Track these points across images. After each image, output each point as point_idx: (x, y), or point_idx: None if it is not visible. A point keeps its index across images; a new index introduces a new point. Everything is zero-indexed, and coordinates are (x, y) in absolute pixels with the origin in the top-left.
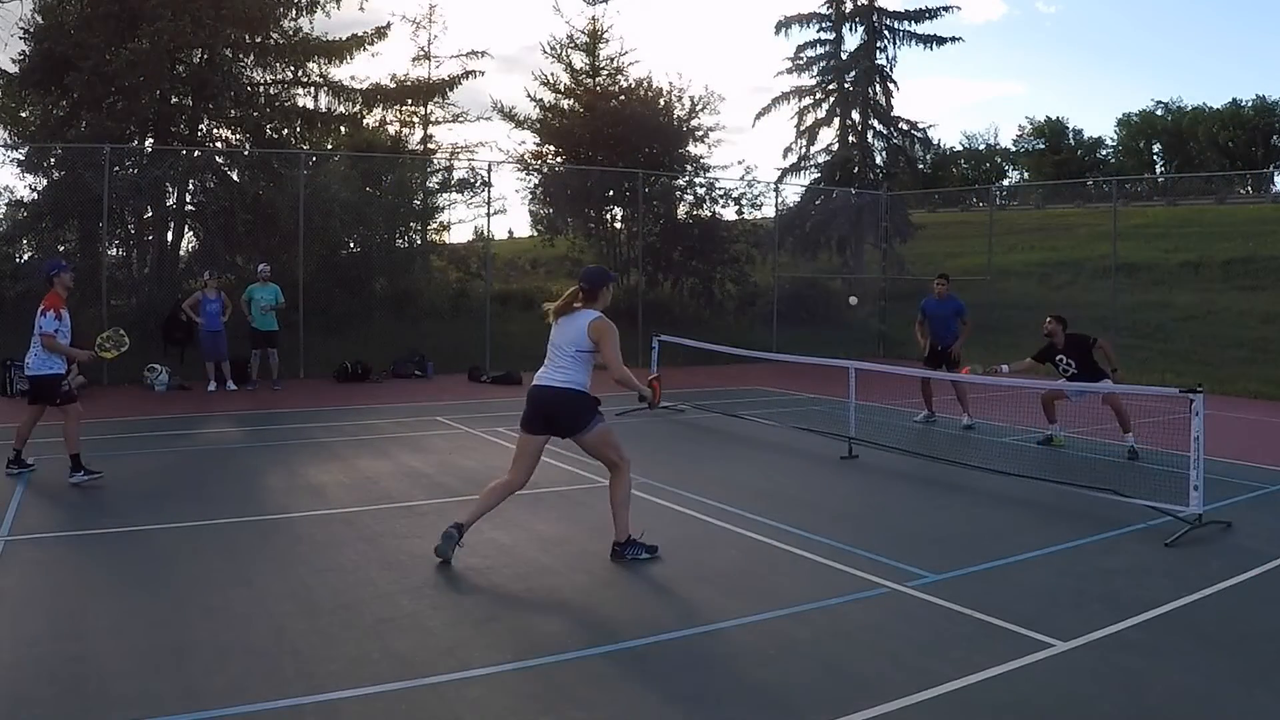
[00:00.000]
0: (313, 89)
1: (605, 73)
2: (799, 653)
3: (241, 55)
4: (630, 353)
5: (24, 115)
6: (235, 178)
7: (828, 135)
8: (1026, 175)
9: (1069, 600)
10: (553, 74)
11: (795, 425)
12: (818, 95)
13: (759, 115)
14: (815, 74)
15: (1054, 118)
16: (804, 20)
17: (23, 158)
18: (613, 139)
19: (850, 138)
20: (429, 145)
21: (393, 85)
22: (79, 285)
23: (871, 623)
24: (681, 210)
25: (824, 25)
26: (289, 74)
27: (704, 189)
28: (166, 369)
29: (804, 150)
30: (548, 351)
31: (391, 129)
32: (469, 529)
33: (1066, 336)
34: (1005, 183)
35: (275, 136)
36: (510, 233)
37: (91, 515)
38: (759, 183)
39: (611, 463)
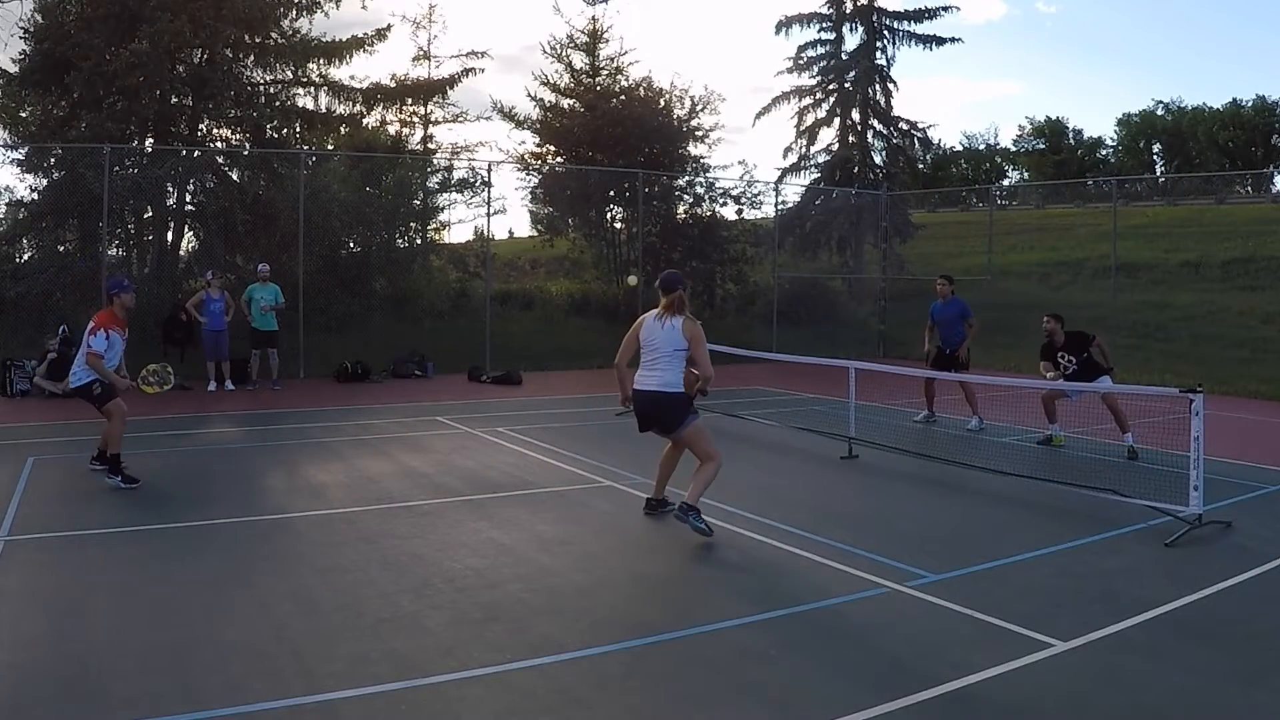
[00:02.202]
0: (313, 89)
1: (605, 73)
2: (799, 653)
3: (241, 55)
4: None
5: (24, 115)
6: (235, 178)
7: (828, 135)
8: (1026, 175)
9: (1069, 600)
10: (554, 73)
11: (795, 425)
12: (818, 95)
13: (759, 115)
14: (815, 74)
15: (1054, 118)
16: (804, 20)
17: (23, 158)
18: (613, 139)
19: (850, 138)
20: (429, 145)
21: (393, 85)
22: (80, 285)
23: (871, 623)
24: (681, 210)
25: (824, 25)
26: (289, 74)
27: (704, 189)
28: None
29: (804, 150)
30: (643, 353)
31: (391, 129)
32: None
33: (1066, 334)
34: (1005, 183)
35: (275, 136)
36: (510, 233)
37: (91, 515)
38: (759, 182)
39: (705, 454)
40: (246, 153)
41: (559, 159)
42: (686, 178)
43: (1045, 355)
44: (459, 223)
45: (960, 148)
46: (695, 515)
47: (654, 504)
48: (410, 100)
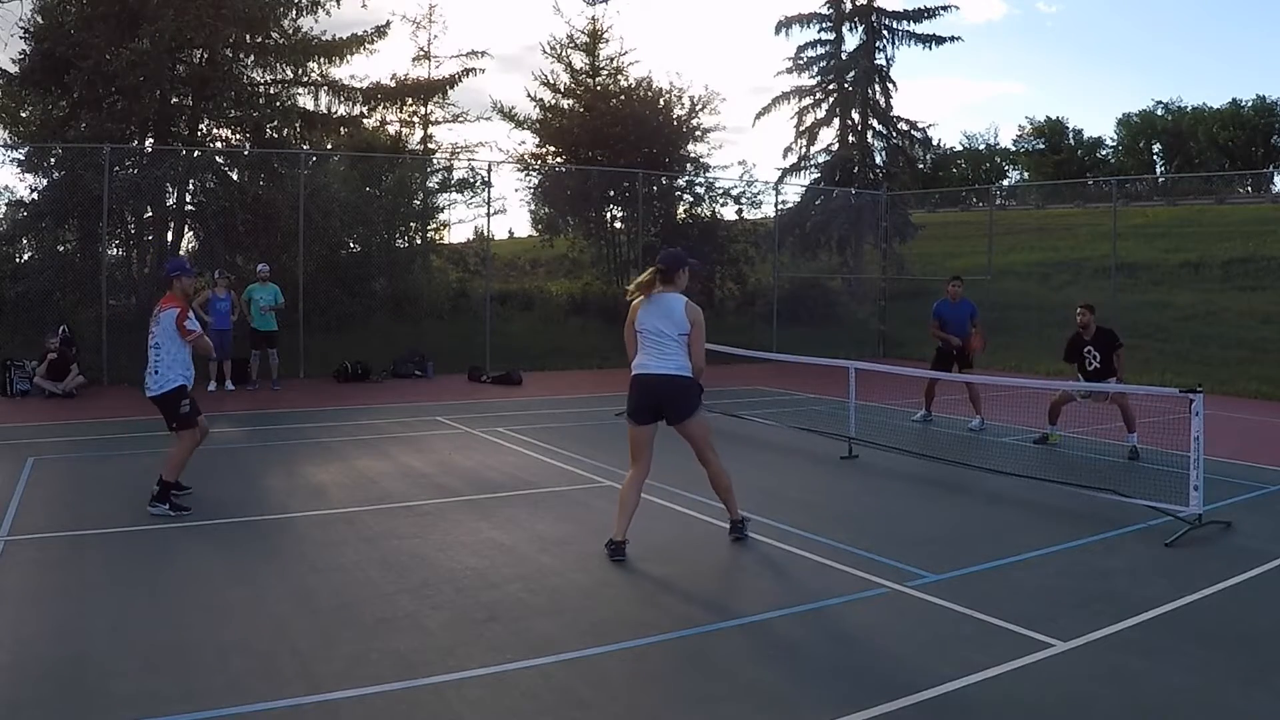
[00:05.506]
0: (313, 89)
1: (605, 73)
2: (799, 653)
3: (241, 55)
4: None
5: (24, 115)
6: (235, 178)
7: (828, 135)
8: (1026, 175)
9: (1069, 600)
10: (553, 74)
11: (795, 425)
12: (818, 95)
13: (759, 115)
14: (815, 74)
15: (1054, 118)
16: (804, 20)
17: (23, 158)
18: (613, 139)
19: (850, 138)
20: (429, 145)
21: (393, 85)
22: (79, 284)
23: (871, 623)
24: (681, 210)
25: (824, 25)
26: (289, 74)
27: (704, 189)
28: None
29: (804, 150)
30: (642, 338)
31: (391, 129)
32: (627, 536)
33: (1097, 329)
34: (1005, 183)
35: (275, 136)
36: (510, 233)
37: (91, 515)
38: (759, 182)
39: (705, 453)
40: (246, 153)
41: (559, 159)
42: (686, 178)
43: (1071, 347)
44: (459, 223)
45: (960, 148)
46: (746, 525)
47: (618, 547)
48: (410, 100)
